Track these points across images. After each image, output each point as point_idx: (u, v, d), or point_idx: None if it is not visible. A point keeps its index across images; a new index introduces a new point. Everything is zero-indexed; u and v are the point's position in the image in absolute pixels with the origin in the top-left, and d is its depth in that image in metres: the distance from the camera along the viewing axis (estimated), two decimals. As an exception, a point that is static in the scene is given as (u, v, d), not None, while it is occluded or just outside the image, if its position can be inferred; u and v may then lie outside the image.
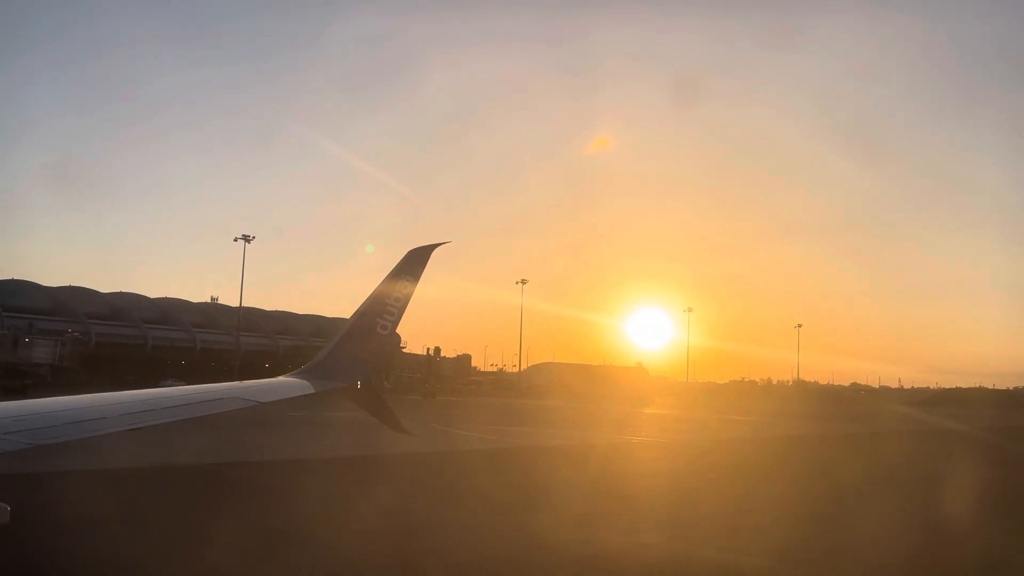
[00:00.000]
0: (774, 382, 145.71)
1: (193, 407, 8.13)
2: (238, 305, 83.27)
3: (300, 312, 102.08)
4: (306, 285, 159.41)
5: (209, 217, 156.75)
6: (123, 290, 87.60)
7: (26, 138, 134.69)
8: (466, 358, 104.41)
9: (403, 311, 9.55)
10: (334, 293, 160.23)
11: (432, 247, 9.50)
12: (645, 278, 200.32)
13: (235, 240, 79.82)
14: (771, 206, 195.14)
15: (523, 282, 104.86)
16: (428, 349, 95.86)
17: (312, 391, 9.36)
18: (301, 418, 33.86)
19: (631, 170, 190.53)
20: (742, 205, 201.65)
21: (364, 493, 16.76)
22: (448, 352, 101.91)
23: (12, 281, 77.55)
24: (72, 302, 77.84)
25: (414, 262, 9.47)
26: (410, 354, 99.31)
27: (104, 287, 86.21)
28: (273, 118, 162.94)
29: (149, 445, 21.43)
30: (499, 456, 26.94)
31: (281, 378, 9.61)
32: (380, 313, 9.39)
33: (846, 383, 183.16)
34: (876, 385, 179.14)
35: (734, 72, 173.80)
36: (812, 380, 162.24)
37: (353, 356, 9.46)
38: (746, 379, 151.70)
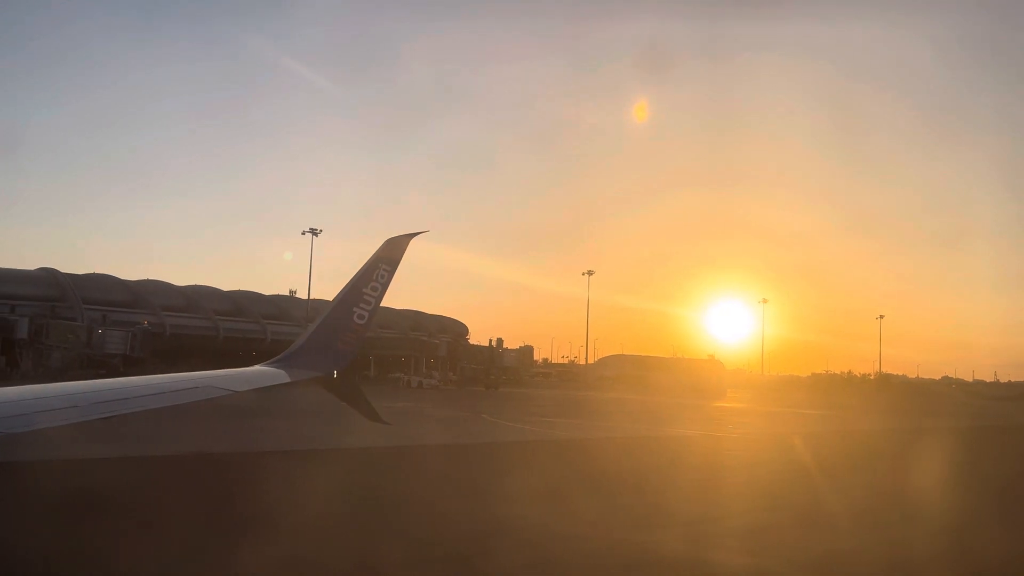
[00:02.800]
0: (856, 375, 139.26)
1: (167, 396, 7.74)
2: (307, 297, 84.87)
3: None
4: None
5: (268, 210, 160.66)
6: (198, 283, 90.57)
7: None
8: (528, 350, 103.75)
9: (381, 300, 9.43)
10: (405, 286, 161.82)
11: (410, 236, 9.39)
12: (719, 269, 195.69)
13: (303, 233, 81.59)
14: (851, 196, 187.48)
15: (590, 273, 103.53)
16: (491, 340, 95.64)
17: (287, 380, 9.03)
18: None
19: (702, 160, 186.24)
20: (821, 195, 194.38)
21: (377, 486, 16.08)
22: (512, 343, 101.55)
23: (93, 275, 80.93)
24: (149, 295, 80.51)
25: (392, 251, 9.35)
26: (474, 345, 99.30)
27: (180, 280, 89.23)
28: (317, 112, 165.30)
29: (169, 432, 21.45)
30: (527, 448, 25.98)
31: (257, 367, 9.31)
32: (357, 302, 9.26)
33: (936, 376, 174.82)
34: (969, 379, 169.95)
35: (809, 60, 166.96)
36: (900, 373, 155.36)
37: (330, 345, 9.27)
38: (828, 372, 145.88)
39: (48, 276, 75.77)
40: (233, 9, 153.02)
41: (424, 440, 25.82)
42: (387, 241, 9.43)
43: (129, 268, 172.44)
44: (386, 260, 9.34)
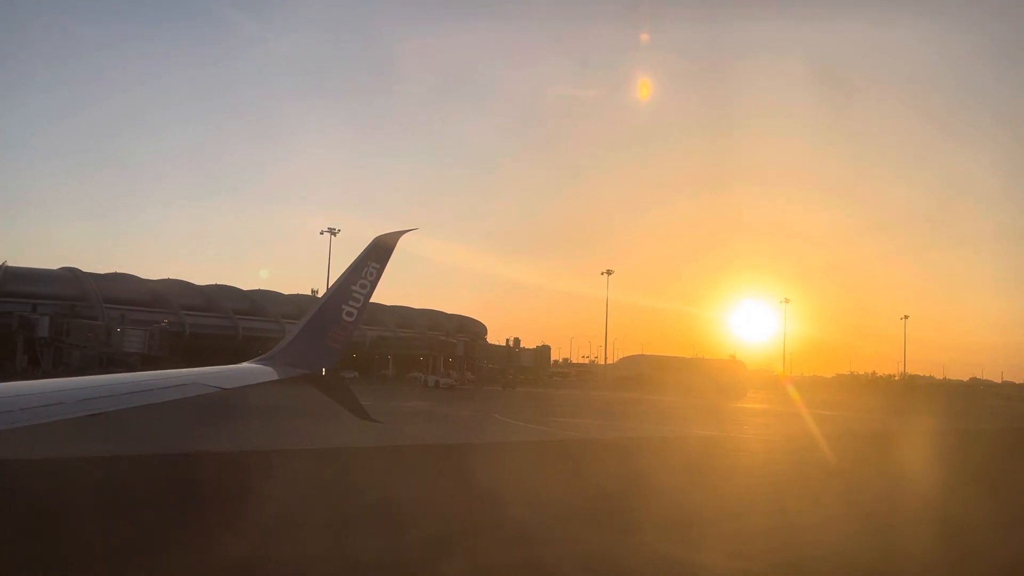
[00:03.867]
0: (881, 376, 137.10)
1: (154, 393, 7.66)
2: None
3: (387, 304, 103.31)
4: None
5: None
6: (218, 282, 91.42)
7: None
8: (545, 349, 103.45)
9: (369, 298, 9.40)
10: (424, 286, 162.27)
11: (398, 234, 9.44)
12: (740, 269, 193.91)
13: (321, 233, 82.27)
14: (875, 195, 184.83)
15: (608, 273, 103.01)
16: (508, 340, 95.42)
17: (276, 377, 8.87)
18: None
19: (721, 159, 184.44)
20: (844, 194, 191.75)
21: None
22: (531, 343, 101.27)
23: (114, 275, 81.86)
24: (169, 294, 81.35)
25: (380, 249, 9.36)
26: (491, 345, 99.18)
27: (200, 280, 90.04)
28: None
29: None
30: (530, 449, 25.61)
31: (244, 364, 9.35)
32: (346, 300, 9.26)
33: (964, 377, 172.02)
34: (998, 380, 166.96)
35: (829, 59, 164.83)
36: (926, 375, 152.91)
37: (318, 343, 9.22)
38: (852, 373, 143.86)
39: (70, 275, 76.73)
40: (243, 7, 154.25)
41: (420, 440, 25.55)
42: (376, 239, 9.41)
43: (150, 268, 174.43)
44: (375, 258, 9.33)
